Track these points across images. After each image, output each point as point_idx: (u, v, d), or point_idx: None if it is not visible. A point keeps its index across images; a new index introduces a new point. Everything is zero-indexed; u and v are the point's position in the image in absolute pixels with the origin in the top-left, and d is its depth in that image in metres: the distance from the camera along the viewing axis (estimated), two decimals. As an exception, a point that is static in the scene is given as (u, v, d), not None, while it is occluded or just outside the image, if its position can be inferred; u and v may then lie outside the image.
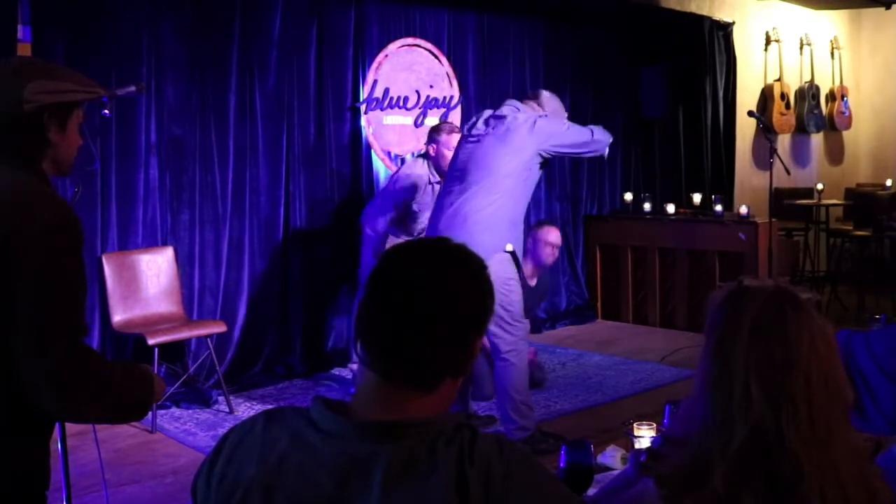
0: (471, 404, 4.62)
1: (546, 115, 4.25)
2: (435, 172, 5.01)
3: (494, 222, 4.07)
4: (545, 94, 4.44)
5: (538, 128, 4.14)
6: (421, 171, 5.03)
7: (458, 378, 1.29)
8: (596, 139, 4.30)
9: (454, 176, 4.23)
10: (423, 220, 5.00)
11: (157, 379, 1.95)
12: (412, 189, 5.01)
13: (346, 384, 5.48)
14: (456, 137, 4.88)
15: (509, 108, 4.22)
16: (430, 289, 1.24)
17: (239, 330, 5.49)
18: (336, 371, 5.79)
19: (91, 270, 4.72)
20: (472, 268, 1.30)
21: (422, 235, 5.18)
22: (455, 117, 6.50)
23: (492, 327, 4.04)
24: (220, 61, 5.38)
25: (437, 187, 4.99)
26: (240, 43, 5.44)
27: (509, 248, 4.10)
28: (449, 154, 4.80)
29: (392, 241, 5.05)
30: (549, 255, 5.56)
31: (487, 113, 4.28)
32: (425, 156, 5.10)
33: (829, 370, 1.25)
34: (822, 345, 1.25)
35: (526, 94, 4.72)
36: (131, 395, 1.84)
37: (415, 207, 5.04)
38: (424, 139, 5.43)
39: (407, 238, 5.15)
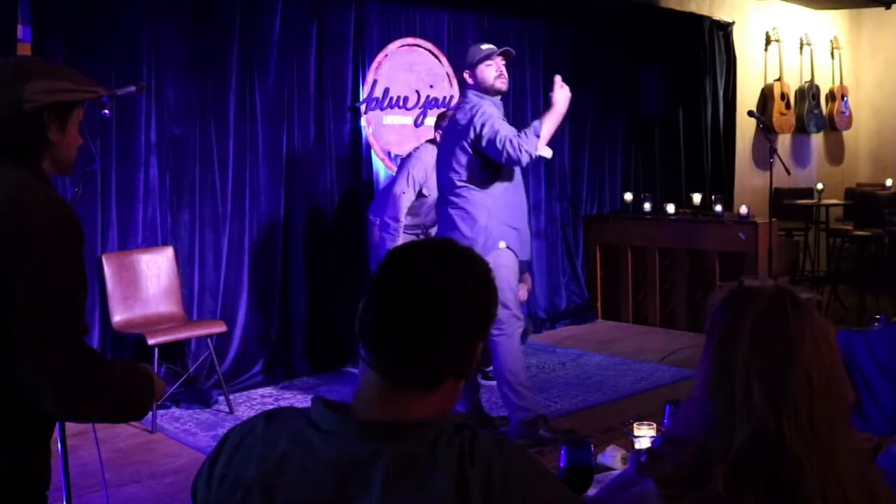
0: (483, 406, 4.63)
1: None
2: None
3: None
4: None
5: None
6: (430, 155, 5.10)
7: (461, 379, 1.30)
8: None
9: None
10: (431, 203, 5.15)
11: (157, 378, 1.95)
12: (425, 172, 5.11)
13: (346, 384, 5.48)
14: None
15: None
16: (435, 290, 1.24)
17: (239, 330, 5.49)
18: (336, 371, 5.78)
19: (91, 270, 4.72)
20: (476, 270, 1.30)
21: (430, 221, 5.25)
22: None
23: None
24: (220, 61, 5.38)
25: None
26: (240, 43, 5.44)
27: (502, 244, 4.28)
28: None
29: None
30: None
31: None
32: (433, 142, 5.19)
33: (831, 371, 1.24)
34: (824, 345, 1.25)
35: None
36: (131, 395, 1.84)
37: (425, 192, 5.13)
38: (424, 139, 5.57)
39: (416, 226, 5.25)
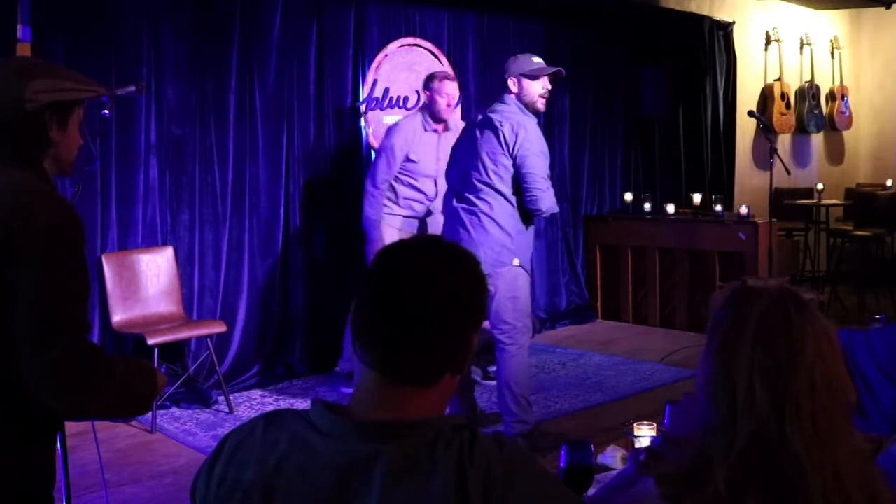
0: (478, 404, 4.63)
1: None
2: (430, 120, 5.15)
3: None
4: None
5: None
6: (413, 120, 5.18)
7: (457, 374, 1.30)
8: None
9: None
10: (423, 171, 5.17)
11: (159, 373, 1.96)
12: (405, 136, 5.11)
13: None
14: (449, 84, 5.08)
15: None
16: (426, 286, 1.24)
17: (239, 330, 5.49)
18: (336, 371, 5.77)
19: (91, 270, 4.67)
20: (465, 265, 1.31)
21: (427, 193, 5.28)
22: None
23: (503, 317, 4.19)
24: (220, 61, 5.38)
25: (434, 134, 5.16)
26: (240, 43, 5.44)
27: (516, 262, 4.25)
28: (441, 100, 5.03)
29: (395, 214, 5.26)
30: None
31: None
32: (421, 109, 5.25)
33: (833, 371, 1.24)
34: (826, 346, 1.24)
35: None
36: (134, 390, 1.85)
37: (413, 157, 5.14)
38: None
39: (416, 200, 5.26)
